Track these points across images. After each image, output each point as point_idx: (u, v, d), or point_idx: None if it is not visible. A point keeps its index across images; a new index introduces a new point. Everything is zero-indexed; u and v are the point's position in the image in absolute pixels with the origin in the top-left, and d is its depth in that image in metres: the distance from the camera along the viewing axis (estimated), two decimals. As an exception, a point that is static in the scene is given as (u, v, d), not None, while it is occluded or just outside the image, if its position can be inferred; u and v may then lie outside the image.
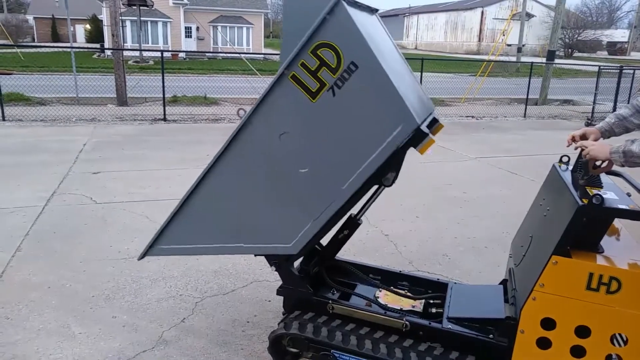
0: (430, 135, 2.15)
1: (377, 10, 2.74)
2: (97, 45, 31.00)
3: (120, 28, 13.84)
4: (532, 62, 15.55)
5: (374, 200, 2.85)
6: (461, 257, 4.47)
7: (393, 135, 2.14)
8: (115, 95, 12.72)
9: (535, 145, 9.70)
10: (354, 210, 2.91)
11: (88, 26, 43.99)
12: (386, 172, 2.43)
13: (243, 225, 2.54)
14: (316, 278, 2.91)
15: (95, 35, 40.16)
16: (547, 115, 14.17)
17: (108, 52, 27.88)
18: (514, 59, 30.23)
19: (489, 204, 5.92)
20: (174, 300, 3.57)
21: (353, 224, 2.91)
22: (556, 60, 18.51)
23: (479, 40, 55.26)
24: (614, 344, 2.07)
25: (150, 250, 2.74)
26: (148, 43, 31.78)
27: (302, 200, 2.38)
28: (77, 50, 28.01)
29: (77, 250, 4.30)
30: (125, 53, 23.61)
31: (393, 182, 2.64)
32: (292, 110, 2.28)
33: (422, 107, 2.48)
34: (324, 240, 2.91)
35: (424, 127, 2.16)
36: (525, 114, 13.71)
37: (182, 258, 4.17)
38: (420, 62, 13.48)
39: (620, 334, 2.09)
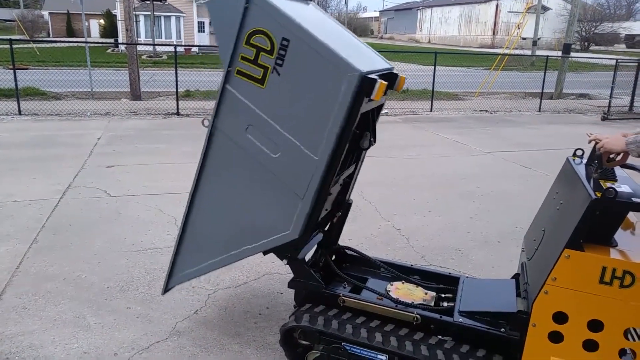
0: (379, 79, 2.18)
1: (310, 0, 2.88)
2: (111, 40, 31.25)
3: (134, 23, 13.93)
4: (547, 56, 15.35)
5: (358, 174, 2.89)
6: (474, 251, 4.45)
7: (342, 90, 2.19)
8: (129, 90, 12.83)
9: (550, 140, 9.60)
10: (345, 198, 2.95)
11: (102, 21, 44.33)
12: (353, 131, 2.45)
13: (241, 228, 2.60)
14: (327, 271, 2.93)
15: (110, 30, 40.45)
16: (562, 109, 14.00)
17: (122, 47, 28.09)
18: (529, 52, 29.87)
19: (503, 199, 5.88)
20: (187, 292, 3.61)
21: (344, 205, 2.95)
22: (572, 54, 18.24)
23: (494, 34, 54.65)
24: (627, 339, 2.05)
25: (170, 281, 2.89)
26: (161, 38, 31.94)
27: (285, 183, 2.42)
28: (92, 45, 28.24)
29: (92, 242, 4.36)
30: (139, 48, 23.74)
31: (370, 144, 2.68)
32: (248, 102, 2.37)
33: (370, 63, 2.50)
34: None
35: (372, 76, 2.18)
36: (540, 108, 13.57)
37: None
38: (433, 55, 13.39)
39: (634, 329, 2.08)
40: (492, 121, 11.75)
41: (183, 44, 31.21)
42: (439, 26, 64.39)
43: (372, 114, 2.69)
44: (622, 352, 2.05)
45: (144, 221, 4.85)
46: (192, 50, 31.10)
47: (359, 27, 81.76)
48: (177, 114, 11.01)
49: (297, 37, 2.20)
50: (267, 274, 3.89)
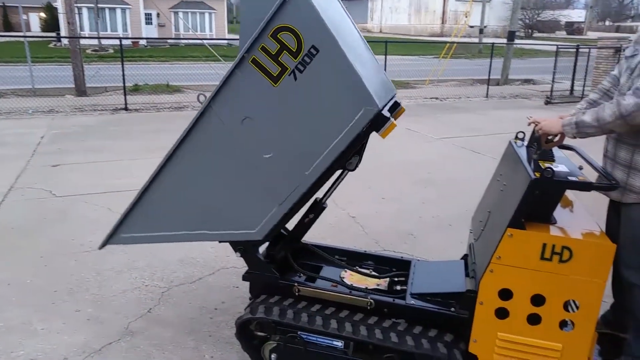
0: (392, 119, 2.18)
1: None
2: (53, 34, 29.89)
3: (76, 15, 13.36)
4: (493, 43, 15.79)
5: (338, 184, 2.86)
6: (426, 235, 4.56)
7: (355, 119, 2.15)
8: (73, 86, 12.33)
9: (497, 125, 9.90)
10: (319, 194, 2.93)
11: (43, 14, 42.27)
12: (350, 156, 2.44)
13: (206, 211, 2.51)
14: (282, 262, 2.92)
15: (51, 23, 38.61)
16: (508, 94, 14.46)
17: (65, 41, 26.95)
18: (476, 40, 30.65)
19: (453, 184, 6.04)
20: (140, 291, 3.53)
21: (318, 208, 2.92)
22: (516, 41, 18.85)
23: (442, 23, 55.65)
24: (567, 310, 2.16)
25: (111, 239, 2.67)
26: (107, 31, 30.80)
27: (267, 185, 2.37)
28: (31, 39, 26.91)
29: (38, 245, 4.19)
30: (84, 41, 22.85)
31: (356, 166, 2.67)
32: (253, 95, 2.27)
33: (384, 90, 2.49)
34: (290, 224, 2.91)
35: (385, 112, 2.18)
36: (487, 94, 13.96)
37: (147, 248, 4.11)
38: (384, 45, 13.52)
39: (573, 301, 2.18)
40: (443, 108, 12.01)
41: (130, 36, 30.21)
42: (390, 15, 64.92)
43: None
44: (563, 323, 2.16)
45: (93, 221, 4.69)
46: (140, 43, 30.17)
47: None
48: (126, 109, 10.68)
49: (328, 50, 2.11)
50: (222, 269, 3.85)
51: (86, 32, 29.59)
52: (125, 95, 10.88)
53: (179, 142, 2.43)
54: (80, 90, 12.27)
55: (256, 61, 2.21)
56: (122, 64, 11.06)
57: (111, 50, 25.94)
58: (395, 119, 2.45)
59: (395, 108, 2.58)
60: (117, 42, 12.57)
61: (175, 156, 2.46)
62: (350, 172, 2.68)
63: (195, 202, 2.52)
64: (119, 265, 3.87)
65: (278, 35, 2.16)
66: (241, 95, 2.29)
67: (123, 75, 10.90)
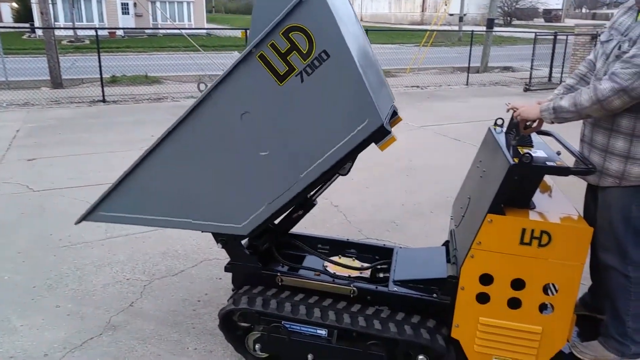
0: (393, 133, 2.18)
1: None
2: (26, 25, 29.13)
3: (50, 5, 13.03)
4: (472, 31, 15.86)
5: (329, 185, 2.85)
6: (408, 223, 4.58)
7: (357, 130, 2.15)
8: (49, 78, 12.05)
9: (477, 112, 9.98)
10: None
11: (15, 4, 41.14)
12: (344, 163, 2.44)
13: (193, 200, 2.48)
14: (265, 252, 2.91)
15: (24, 14, 37.61)
16: (488, 82, 14.57)
17: (39, 32, 26.28)
18: (456, 28, 30.77)
19: (434, 171, 6.08)
20: (121, 285, 3.48)
21: (307, 205, 2.91)
22: (495, 28, 18.96)
23: (423, 11, 55.71)
24: (547, 294, 2.20)
25: (89, 215, 2.62)
26: (82, 21, 30.12)
27: (258, 183, 2.35)
28: (3, 30, 26.26)
29: (15, 241, 4.10)
30: (59, 32, 22.32)
31: (348, 171, 2.67)
32: (256, 90, 2.23)
33: (386, 100, 2.49)
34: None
35: (387, 125, 2.17)
36: (467, 81, 14.04)
37: (128, 241, 4.07)
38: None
39: (552, 284, 2.22)
40: (424, 96, 12.05)
41: (106, 27, 29.60)
42: (370, 4, 64.76)
43: None
44: (543, 307, 2.19)
45: (71, 215, 4.59)
46: (117, 33, 29.59)
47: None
48: (103, 101, 10.49)
49: (339, 58, 2.08)
50: (205, 260, 3.82)
51: (61, 22, 28.88)
52: (102, 86, 10.68)
53: (174, 127, 2.37)
54: (56, 82, 12.01)
55: (264, 57, 2.17)
56: (99, 55, 10.84)
57: (87, 41, 25.41)
58: (391, 127, 2.45)
59: (393, 117, 2.59)
60: (93, 32, 12.28)
61: (168, 140, 2.40)
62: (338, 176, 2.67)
63: (182, 189, 2.47)
64: (99, 259, 3.82)
65: (290, 35, 2.12)
66: (244, 89, 2.24)
67: (100, 66, 10.70)
